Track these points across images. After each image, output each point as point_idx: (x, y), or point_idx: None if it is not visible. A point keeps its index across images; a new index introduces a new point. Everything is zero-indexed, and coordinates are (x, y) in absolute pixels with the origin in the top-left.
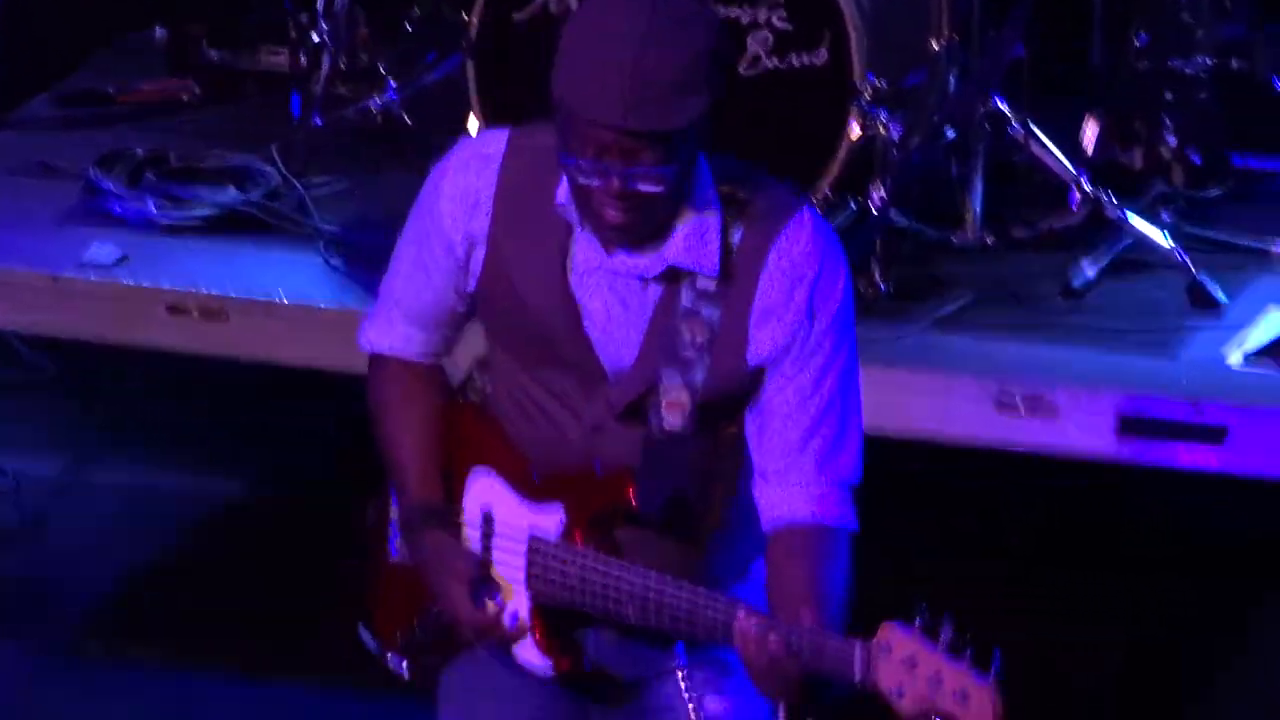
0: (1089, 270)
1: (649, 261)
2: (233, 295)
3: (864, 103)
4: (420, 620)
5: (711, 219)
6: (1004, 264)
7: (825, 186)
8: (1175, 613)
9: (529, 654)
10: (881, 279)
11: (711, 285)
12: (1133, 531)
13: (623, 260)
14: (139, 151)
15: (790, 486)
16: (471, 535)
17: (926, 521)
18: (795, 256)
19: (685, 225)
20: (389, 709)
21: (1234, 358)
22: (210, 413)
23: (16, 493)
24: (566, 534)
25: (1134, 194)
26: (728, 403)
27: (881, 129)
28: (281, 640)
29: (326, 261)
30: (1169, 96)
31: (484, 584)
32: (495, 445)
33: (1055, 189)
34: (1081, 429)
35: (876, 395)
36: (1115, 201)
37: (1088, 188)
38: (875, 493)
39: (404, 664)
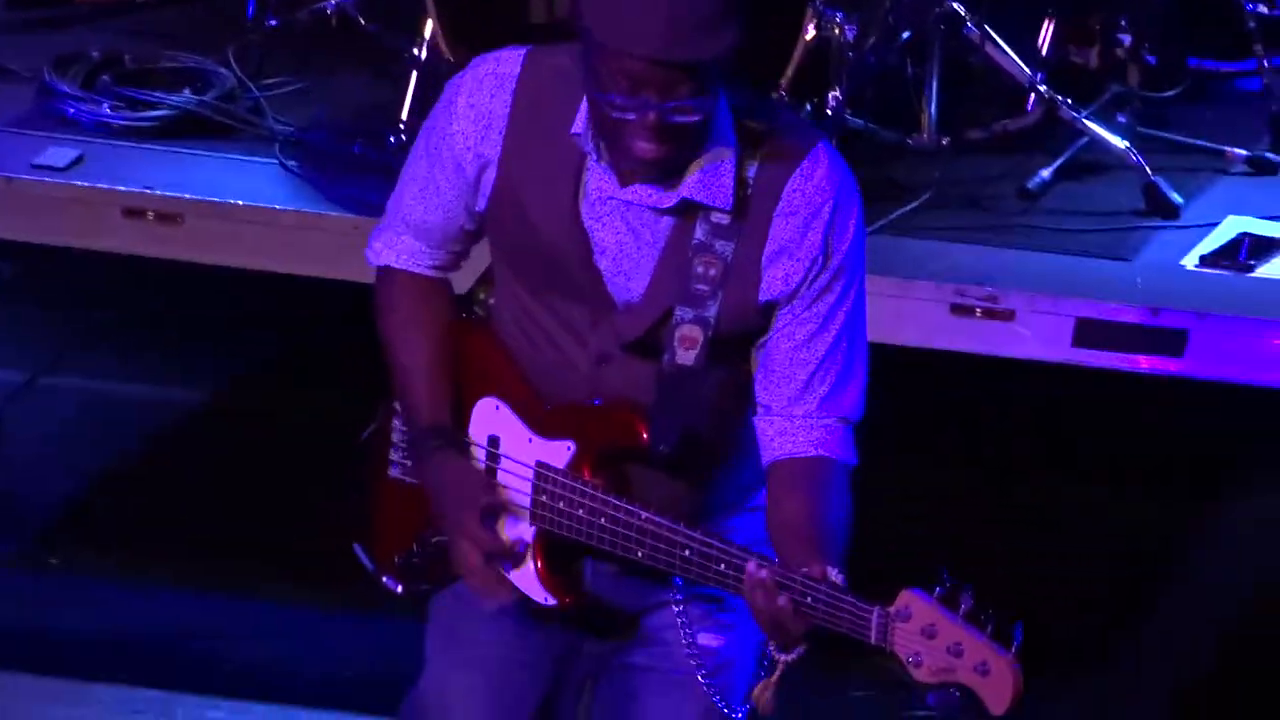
0: (1044, 172)
1: (663, 194)
2: (189, 198)
3: (819, 4)
4: (420, 543)
5: (727, 154)
6: (959, 166)
7: (781, 88)
8: (1140, 518)
9: (529, 584)
10: None
11: (726, 219)
12: (1094, 437)
13: (636, 191)
14: (94, 54)
15: (793, 419)
16: (477, 459)
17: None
18: (810, 194)
19: (703, 160)
20: (352, 621)
21: (1190, 261)
22: (168, 318)
23: None
24: (574, 466)
25: (1090, 96)
26: (740, 338)
27: (837, 30)
28: (241, 551)
29: (282, 164)
30: None
31: (492, 512)
32: (504, 373)
33: (1011, 91)
34: (1039, 334)
35: None
36: (1071, 103)
37: (1043, 89)
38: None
39: (399, 586)
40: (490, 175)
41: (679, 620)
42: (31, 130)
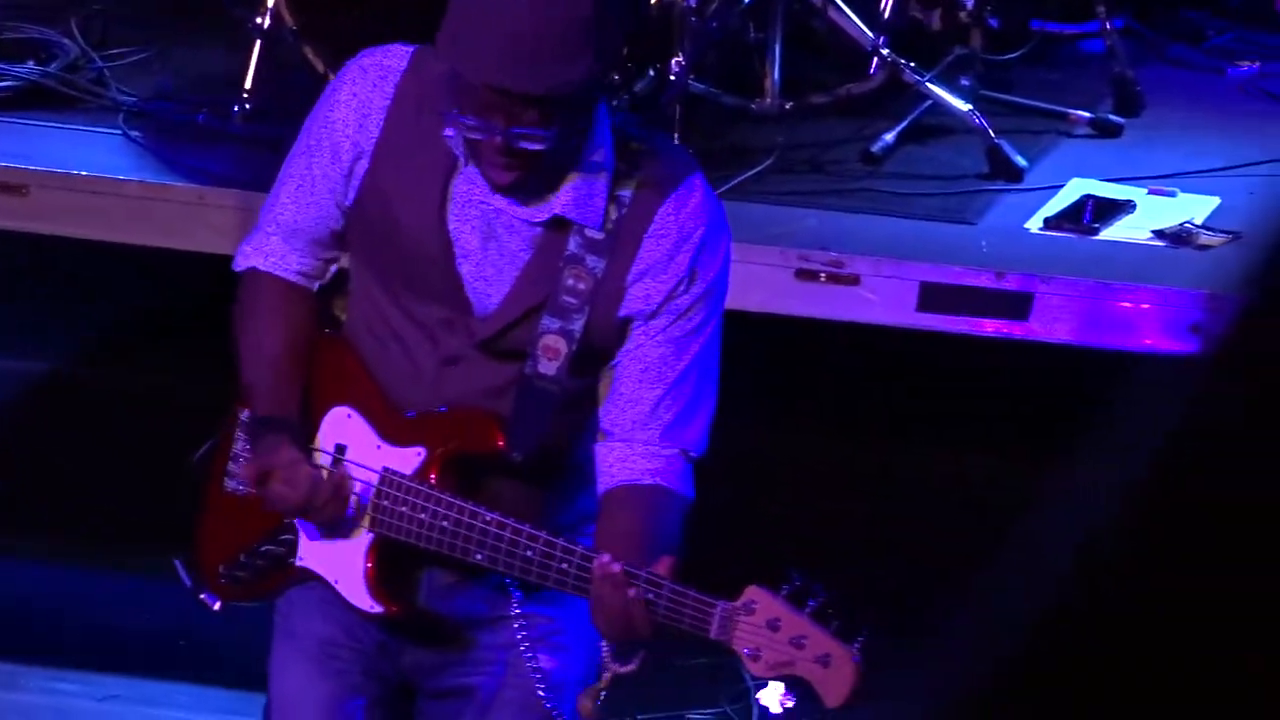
0: (888, 136)
1: (534, 209)
2: (33, 169)
3: None
4: (249, 554)
5: (602, 175)
6: (803, 131)
7: (625, 53)
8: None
9: (357, 591)
10: (681, 144)
11: (600, 235)
12: (939, 401)
13: (508, 202)
14: None
15: (633, 446)
16: (322, 462)
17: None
18: (682, 220)
19: (575, 178)
20: None
21: (1035, 224)
22: (13, 289)
23: None
24: (421, 471)
25: (933, 59)
26: (602, 356)
27: None
28: (92, 522)
29: (126, 134)
30: None
31: (315, 503)
32: (359, 383)
33: (853, 54)
34: (884, 299)
35: None
36: (914, 66)
37: (886, 53)
38: None
39: (217, 602)
40: (363, 166)
41: (520, 637)
42: None
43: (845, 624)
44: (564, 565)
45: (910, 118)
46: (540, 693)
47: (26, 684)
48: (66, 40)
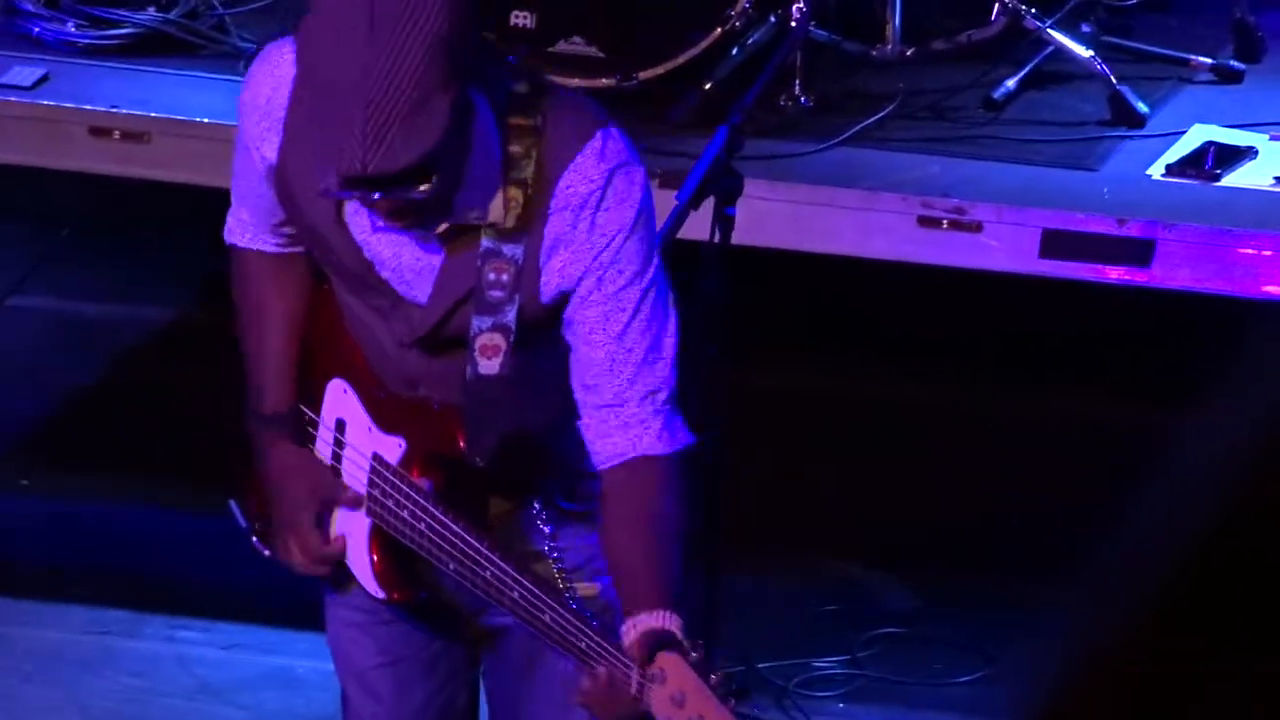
0: (1009, 83)
1: (431, 229)
2: (154, 116)
3: None
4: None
5: (494, 169)
6: (924, 77)
7: (744, 1)
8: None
9: (365, 576)
10: (802, 93)
11: (508, 224)
12: (1049, 344)
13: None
14: None
15: (606, 419)
16: (324, 439)
17: (857, 342)
18: (579, 185)
19: (468, 182)
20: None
21: (1157, 170)
22: (134, 236)
23: None
24: (404, 464)
25: (1054, 5)
26: (540, 335)
27: None
28: (211, 469)
29: None
30: None
31: (328, 508)
32: (352, 355)
33: (975, 1)
34: (1006, 246)
35: (796, 213)
36: (1035, 12)
37: None
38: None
39: (266, 550)
40: (274, 178)
41: (556, 567)
42: None
43: (738, 690)
44: (515, 594)
45: (1031, 64)
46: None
47: (148, 632)
48: None
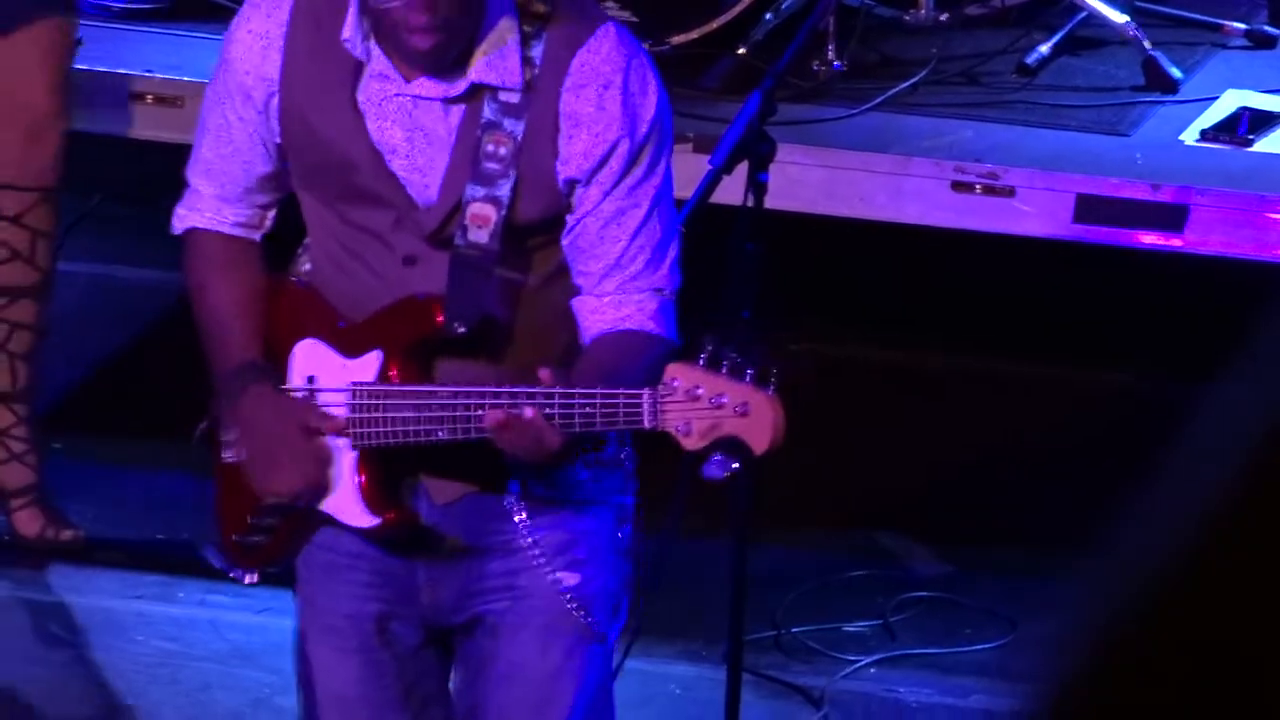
0: (1043, 48)
1: (450, 84)
2: (188, 80)
3: None
4: (254, 514)
5: (510, 34)
6: (957, 42)
7: None
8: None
9: (354, 511)
10: (835, 58)
11: (515, 98)
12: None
13: (422, 85)
14: None
15: (603, 297)
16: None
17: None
18: (597, 66)
19: (485, 43)
20: None
21: (1190, 136)
22: (170, 201)
23: None
24: (383, 374)
25: None
26: (538, 218)
27: None
28: None
29: None
30: None
31: (308, 433)
32: (319, 314)
33: None
34: (1040, 211)
35: (831, 177)
36: None
37: None
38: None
39: (246, 575)
40: (276, 100)
41: (536, 562)
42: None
43: (759, 372)
44: (483, 411)
45: (1065, 29)
46: (569, 606)
47: (180, 597)
48: None
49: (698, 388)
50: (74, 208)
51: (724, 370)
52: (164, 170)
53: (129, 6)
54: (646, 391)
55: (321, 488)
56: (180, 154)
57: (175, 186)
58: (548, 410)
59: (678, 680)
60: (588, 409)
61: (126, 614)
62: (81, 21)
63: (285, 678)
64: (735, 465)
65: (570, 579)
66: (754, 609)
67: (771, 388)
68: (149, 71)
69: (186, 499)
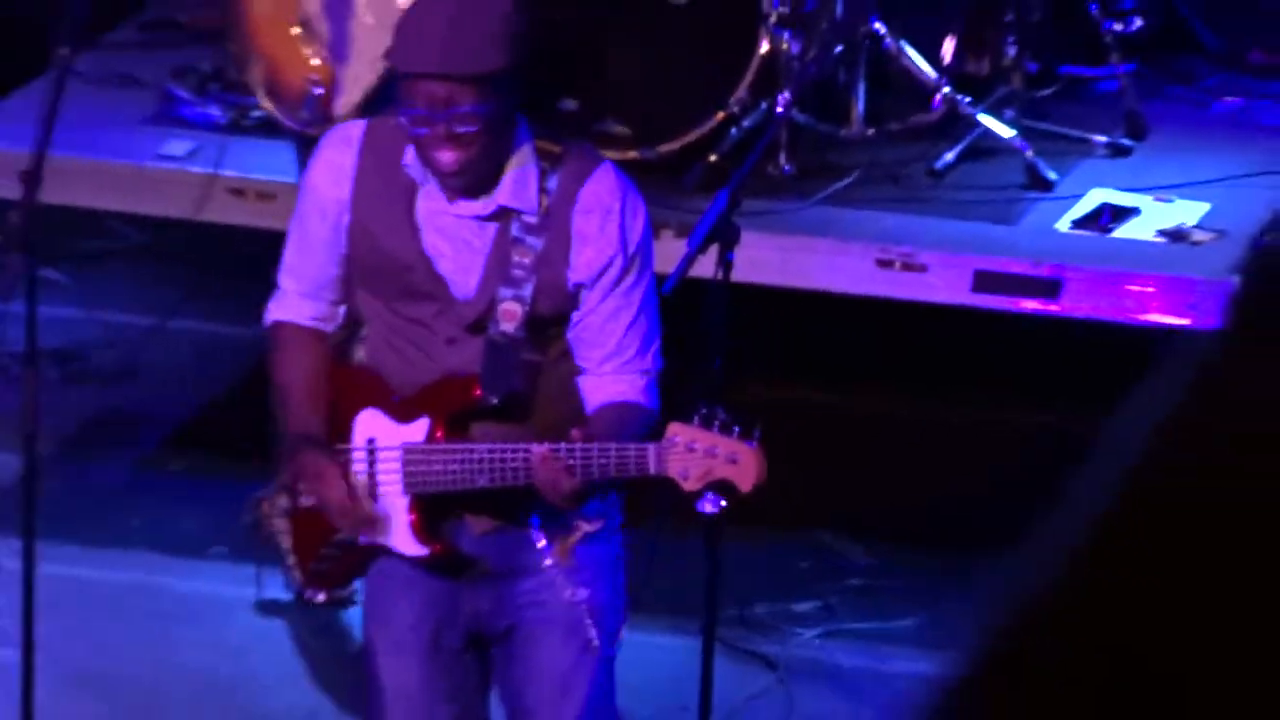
0: (948, 156)
1: (482, 204)
2: (280, 180)
3: (770, 25)
4: (326, 546)
5: (530, 169)
6: (882, 151)
7: (741, 90)
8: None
9: (406, 542)
10: (786, 163)
11: (535, 219)
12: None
13: (463, 205)
14: (205, 67)
15: (603, 376)
16: (359, 460)
17: (829, 363)
18: (601, 195)
19: (510, 174)
20: None
21: (1063, 224)
22: (263, 275)
23: (112, 341)
24: (430, 436)
25: (983, 95)
26: (554, 314)
27: (784, 45)
28: None
29: None
30: (1009, 17)
31: (355, 497)
32: (375, 388)
33: (921, 91)
34: (947, 283)
35: (782, 257)
36: (968, 101)
37: (947, 90)
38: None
39: (318, 595)
40: (346, 219)
41: (554, 575)
42: (156, 127)
43: (744, 429)
44: (517, 462)
45: (966, 141)
46: (582, 614)
47: (274, 583)
48: None
49: (695, 441)
50: (192, 278)
51: (716, 427)
52: (260, 251)
53: (234, 122)
54: (653, 445)
55: (373, 526)
56: (271, 239)
57: (268, 264)
58: (571, 461)
59: (664, 648)
60: (604, 460)
61: (231, 597)
62: (196, 133)
63: (359, 644)
64: (724, 503)
65: (582, 593)
66: (723, 592)
67: (755, 441)
68: (249, 173)
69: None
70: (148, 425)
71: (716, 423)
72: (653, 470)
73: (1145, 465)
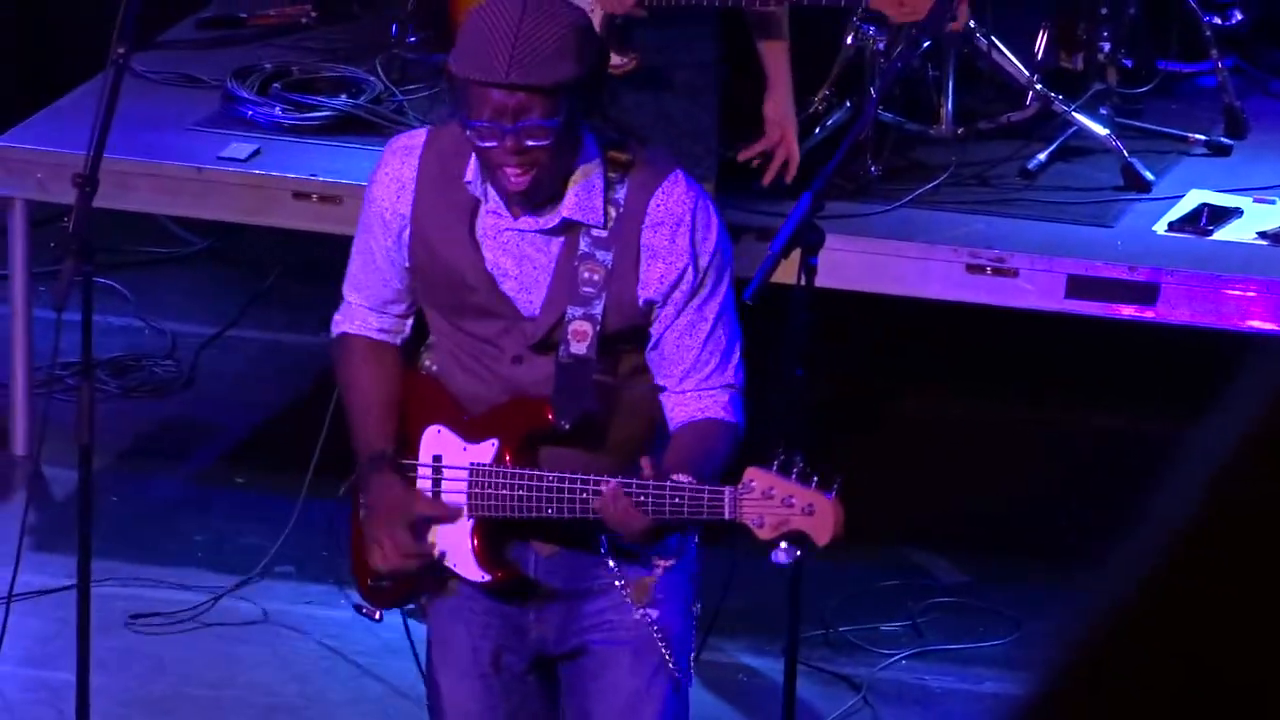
0: (1041, 156)
1: (547, 218)
2: (346, 183)
3: (856, 21)
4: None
5: (596, 180)
6: (972, 151)
7: (826, 89)
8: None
9: (469, 568)
10: (872, 164)
11: (604, 233)
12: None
13: (525, 220)
14: (267, 66)
15: (685, 394)
16: (424, 477)
17: (919, 369)
18: (671, 207)
19: (576, 186)
20: None
21: (1161, 227)
22: (328, 280)
23: (172, 349)
24: (498, 458)
25: (1077, 92)
26: (624, 330)
27: (870, 42)
28: None
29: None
30: (1104, 11)
31: (424, 522)
32: (443, 404)
33: (1013, 89)
34: (1038, 288)
35: (868, 261)
36: (1061, 99)
37: (1039, 88)
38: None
39: (376, 612)
40: (408, 231)
41: (623, 595)
42: (218, 129)
43: (822, 479)
44: (586, 495)
45: (1059, 141)
46: (654, 635)
47: (341, 603)
48: (372, 78)
49: (772, 489)
50: (253, 285)
51: (794, 475)
52: (325, 256)
53: (297, 123)
54: (728, 490)
55: (443, 538)
56: (337, 243)
57: (333, 269)
58: (643, 498)
59: (745, 670)
60: (677, 499)
61: (298, 615)
62: (258, 135)
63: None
64: (799, 553)
65: (653, 613)
66: (806, 612)
67: (833, 493)
68: (313, 175)
69: (344, 525)
70: (208, 438)
71: (795, 470)
72: (727, 516)
73: (1227, 475)
